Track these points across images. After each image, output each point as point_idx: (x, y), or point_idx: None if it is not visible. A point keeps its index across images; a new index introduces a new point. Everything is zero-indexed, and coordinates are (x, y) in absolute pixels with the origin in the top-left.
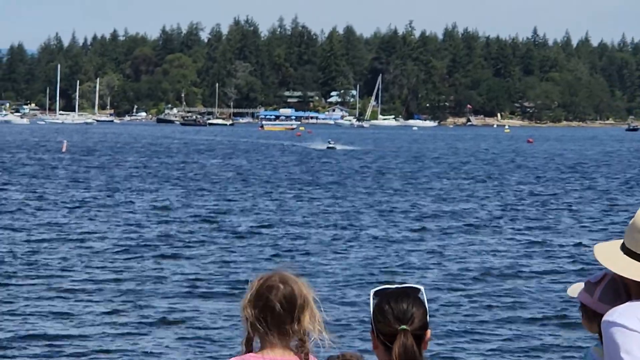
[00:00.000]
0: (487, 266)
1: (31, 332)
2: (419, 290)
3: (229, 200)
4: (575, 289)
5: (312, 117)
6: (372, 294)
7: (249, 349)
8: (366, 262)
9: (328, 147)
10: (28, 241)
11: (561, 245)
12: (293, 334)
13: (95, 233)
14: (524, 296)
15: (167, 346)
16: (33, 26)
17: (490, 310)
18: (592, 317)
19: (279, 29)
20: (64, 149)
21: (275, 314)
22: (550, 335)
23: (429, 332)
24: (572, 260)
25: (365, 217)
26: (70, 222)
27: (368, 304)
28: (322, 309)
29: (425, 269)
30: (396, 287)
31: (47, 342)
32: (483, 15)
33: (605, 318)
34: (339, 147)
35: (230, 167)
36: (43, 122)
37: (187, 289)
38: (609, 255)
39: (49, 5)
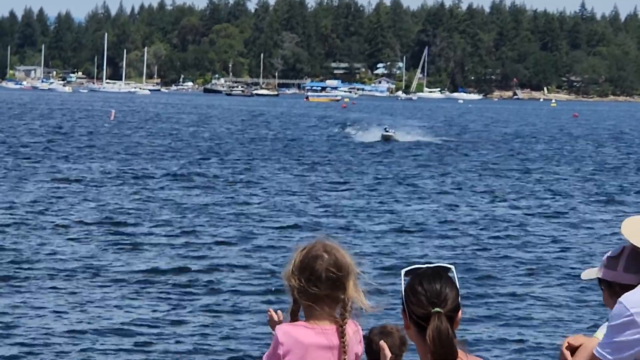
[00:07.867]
0: None
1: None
2: (449, 269)
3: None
4: (590, 273)
5: (358, 89)
6: (403, 274)
7: (294, 319)
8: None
9: (384, 137)
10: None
11: None
12: (339, 303)
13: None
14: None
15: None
16: None
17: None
18: (619, 291)
19: (325, 0)
20: (112, 118)
21: (323, 283)
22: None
23: (460, 312)
24: None
25: None
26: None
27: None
28: (361, 276)
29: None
30: (427, 267)
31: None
32: None
33: (622, 299)
34: (401, 137)
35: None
36: (85, 91)
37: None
38: (635, 229)
39: None
